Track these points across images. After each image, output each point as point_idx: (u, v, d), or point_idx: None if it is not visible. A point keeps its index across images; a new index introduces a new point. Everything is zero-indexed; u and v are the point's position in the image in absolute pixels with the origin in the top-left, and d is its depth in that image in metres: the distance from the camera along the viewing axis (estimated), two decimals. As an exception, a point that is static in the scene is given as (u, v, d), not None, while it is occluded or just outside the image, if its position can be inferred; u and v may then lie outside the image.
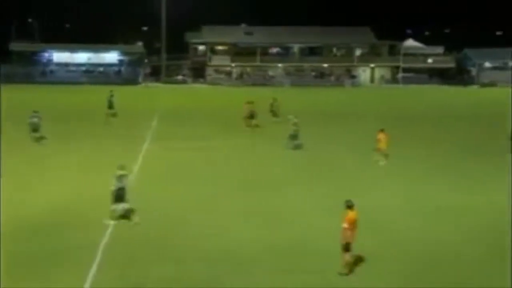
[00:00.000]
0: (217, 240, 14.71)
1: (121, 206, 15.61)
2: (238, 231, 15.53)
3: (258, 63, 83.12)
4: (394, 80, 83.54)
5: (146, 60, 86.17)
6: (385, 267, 13.45)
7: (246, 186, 20.67)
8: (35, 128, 28.00)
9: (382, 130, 25.07)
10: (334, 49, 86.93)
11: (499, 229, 16.10)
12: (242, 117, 35.30)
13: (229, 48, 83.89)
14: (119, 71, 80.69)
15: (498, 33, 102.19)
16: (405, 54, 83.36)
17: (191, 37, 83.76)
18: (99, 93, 46.44)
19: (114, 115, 36.19)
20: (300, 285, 12.34)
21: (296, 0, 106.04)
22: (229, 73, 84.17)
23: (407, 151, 27.60)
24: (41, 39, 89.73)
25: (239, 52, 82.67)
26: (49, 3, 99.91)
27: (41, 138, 28.23)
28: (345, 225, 12.60)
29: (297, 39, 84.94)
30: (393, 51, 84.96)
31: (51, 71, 79.73)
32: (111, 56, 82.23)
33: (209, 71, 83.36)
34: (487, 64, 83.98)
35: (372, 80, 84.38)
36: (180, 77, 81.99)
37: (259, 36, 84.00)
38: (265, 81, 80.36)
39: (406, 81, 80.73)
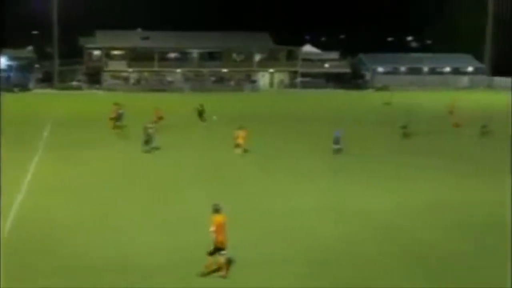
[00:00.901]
0: (106, 250, 14.85)
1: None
2: (132, 239, 15.80)
3: (156, 68, 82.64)
4: (292, 84, 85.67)
5: (37, 65, 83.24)
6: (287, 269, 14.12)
7: (140, 193, 21.05)
8: None
9: (241, 128, 28.71)
10: (234, 54, 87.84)
11: (400, 228, 17.14)
12: (109, 119, 36.38)
13: (126, 53, 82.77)
14: (8, 77, 77.50)
15: (390, 39, 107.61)
16: (303, 59, 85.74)
17: (85, 42, 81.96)
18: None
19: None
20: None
21: (194, 6, 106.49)
22: (126, 79, 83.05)
23: (299, 153, 29.52)
24: None
25: (136, 57, 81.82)
26: None
27: None
28: (213, 228, 12.77)
29: (196, 44, 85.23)
30: (291, 56, 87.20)
31: None
32: (-1, 61, 78.85)
33: (105, 76, 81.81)
34: (380, 69, 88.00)
35: (271, 84, 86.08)
36: (74, 83, 79.90)
37: (157, 40, 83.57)
38: (164, 86, 79.95)
39: (304, 85, 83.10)
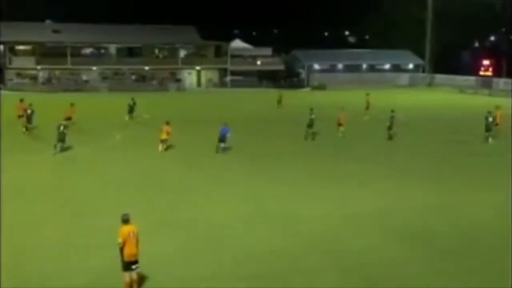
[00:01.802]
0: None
1: None
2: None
3: (69, 66, 76.42)
4: (222, 83, 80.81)
5: None
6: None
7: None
8: None
9: (167, 123, 30.29)
10: (156, 50, 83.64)
11: (335, 236, 17.19)
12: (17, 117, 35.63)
13: (33, 48, 76.38)
14: None
15: (326, 34, 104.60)
16: (233, 56, 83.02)
17: (-15, 35, 73.78)
18: None
19: None
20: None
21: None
22: (34, 77, 75.78)
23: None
24: None
25: (45, 53, 75.70)
26: None
27: None
28: (120, 240, 12.57)
29: (114, 39, 79.73)
30: (220, 53, 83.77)
31: None
32: None
33: (10, 75, 74.52)
34: (316, 66, 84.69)
35: (199, 83, 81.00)
36: (-28, 83, 71.78)
37: (69, 34, 77.52)
38: (78, 86, 74.21)
39: (235, 84, 79.79)
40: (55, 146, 28.54)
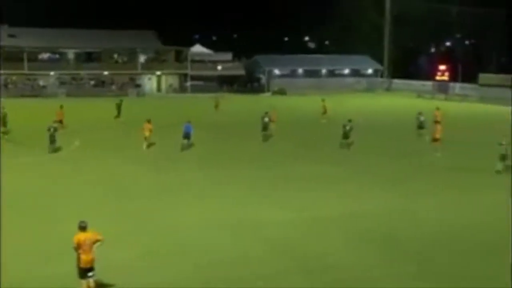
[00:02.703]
0: None
1: None
2: None
3: (25, 71, 75.67)
4: (182, 88, 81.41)
5: None
6: None
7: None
8: None
9: (148, 121, 32.29)
10: (115, 55, 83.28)
11: (299, 240, 17.47)
12: None
13: None
14: None
15: (286, 39, 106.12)
16: (193, 61, 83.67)
17: None
18: None
19: None
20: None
21: (68, 1, 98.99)
22: (-11, 83, 74.85)
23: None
24: None
25: (1, 58, 73.79)
26: None
27: None
28: (74, 246, 12.89)
29: (72, 43, 79.49)
30: (180, 58, 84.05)
31: None
32: None
33: (-36, 80, 73.30)
34: (277, 71, 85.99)
35: (159, 89, 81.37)
36: None
37: (26, 39, 76.86)
38: (35, 92, 73.38)
39: (195, 89, 79.96)
40: (50, 143, 30.58)
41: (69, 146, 33.88)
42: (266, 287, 14.17)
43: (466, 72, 79.07)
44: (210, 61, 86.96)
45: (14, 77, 76.78)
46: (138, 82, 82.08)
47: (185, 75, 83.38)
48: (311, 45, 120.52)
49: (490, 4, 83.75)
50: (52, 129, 31.11)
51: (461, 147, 34.74)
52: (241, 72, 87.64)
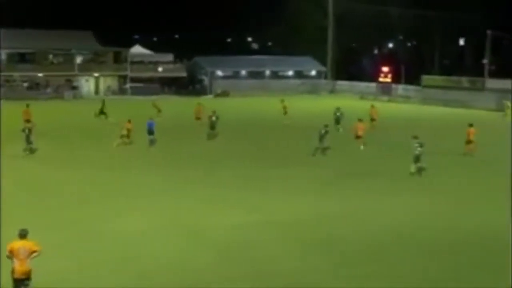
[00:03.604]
0: None
1: None
2: None
3: (-47, 72, 72.52)
4: (121, 91, 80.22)
5: None
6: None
7: None
8: None
9: (129, 121, 34.46)
10: (50, 56, 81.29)
11: (247, 245, 17.54)
12: None
13: None
14: None
15: (228, 40, 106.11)
16: (133, 62, 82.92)
17: None
18: None
19: None
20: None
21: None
22: None
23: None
24: None
25: None
26: None
27: None
28: (7, 254, 12.67)
29: (3, 44, 76.51)
30: (119, 59, 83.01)
31: None
32: None
33: None
34: (219, 73, 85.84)
35: (97, 91, 79.93)
36: None
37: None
38: (-36, 95, 70.34)
39: (135, 91, 78.94)
40: (27, 144, 31.69)
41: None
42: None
43: (409, 73, 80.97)
44: (150, 63, 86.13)
45: None
46: (75, 84, 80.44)
47: (125, 76, 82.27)
48: (255, 46, 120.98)
49: (431, 6, 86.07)
50: (27, 130, 32.34)
51: (384, 146, 36.09)
52: (183, 73, 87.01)
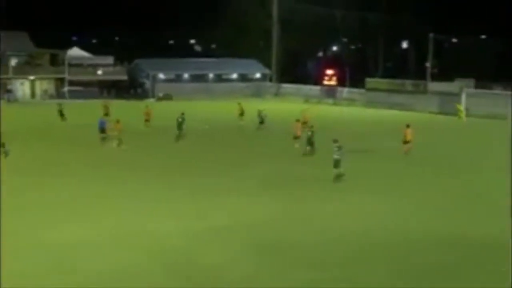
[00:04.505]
0: None
1: None
2: None
3: None
4: (59, 94, 78.96)
5: None
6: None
7: None
8: None
9: (117, 121, 36.18)
10: None
11: (188, 252, 17.49)
12: None
13: None
14: None
15: (171, 42, 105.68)
16: (71, 65, 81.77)
17: None
18: None
19: None
20: None
21: None
22: None
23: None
24: None
25: None
26: None
27: None
28: None
29: None
30: (56, 61, 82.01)
31: None
32: None
33: None
34: (161, 76, 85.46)
35: (33, 95, 78.42)
36: None
37: None
38: None
39: (74, 95, 77.90)
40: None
41: None
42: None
43: (353, 77, 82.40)
44: (89, 65, 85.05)
45: None
46: (9, 87, 78.67)
47: (62, 80, 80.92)
48: (198, 48, 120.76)
49: (374, 8, 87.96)
50: None
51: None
52: (124, 76, 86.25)
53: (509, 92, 60.04)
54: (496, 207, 23.10)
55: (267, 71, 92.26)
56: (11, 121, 52.03)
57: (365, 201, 24.20)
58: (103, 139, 37.67)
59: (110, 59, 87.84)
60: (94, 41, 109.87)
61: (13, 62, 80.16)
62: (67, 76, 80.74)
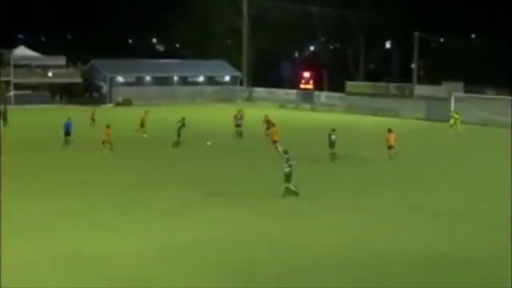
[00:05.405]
0: None
1: None
2: None
3: None
4: (4, 99, 77.30)
5: None
6: None
7: None
8: None
9: (108, 126, 38.52)
10: None
11: (147, 277, 17.27)
12: None
13: None
14: None
15: (130, 41, 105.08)
16: (17, 66, 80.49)
17: None
18: None
19: None
20: None
21: None
22: None
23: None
24: None
25: None
26: None
27: None
28: None
29: None
30: (1, 62, 79.11)
31: None
32: None
33: None
34: (120, 79, 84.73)
35: (-26, 99, 76.69)
36: None
37: None
38: None
39: (21, 100, 76.59)
40: None
41: None
42: None
43: (332, 79, 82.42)
44: (38, 66, 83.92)
45: None
46: None
47: (7, 82, 79.51)
48: (160, 48, 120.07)
49: (354, 5, 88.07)
50: None
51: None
52: (78, 79, 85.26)
53: (503, 97, 60.39)
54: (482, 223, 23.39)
55: (237, 73, 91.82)
56: None
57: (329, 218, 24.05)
58: (67, 142, 39.59)
59: (62, 60, 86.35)
60: (43, 39, 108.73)
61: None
62: (12, 79, 79.34)
